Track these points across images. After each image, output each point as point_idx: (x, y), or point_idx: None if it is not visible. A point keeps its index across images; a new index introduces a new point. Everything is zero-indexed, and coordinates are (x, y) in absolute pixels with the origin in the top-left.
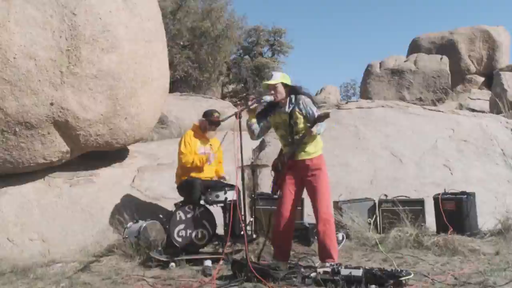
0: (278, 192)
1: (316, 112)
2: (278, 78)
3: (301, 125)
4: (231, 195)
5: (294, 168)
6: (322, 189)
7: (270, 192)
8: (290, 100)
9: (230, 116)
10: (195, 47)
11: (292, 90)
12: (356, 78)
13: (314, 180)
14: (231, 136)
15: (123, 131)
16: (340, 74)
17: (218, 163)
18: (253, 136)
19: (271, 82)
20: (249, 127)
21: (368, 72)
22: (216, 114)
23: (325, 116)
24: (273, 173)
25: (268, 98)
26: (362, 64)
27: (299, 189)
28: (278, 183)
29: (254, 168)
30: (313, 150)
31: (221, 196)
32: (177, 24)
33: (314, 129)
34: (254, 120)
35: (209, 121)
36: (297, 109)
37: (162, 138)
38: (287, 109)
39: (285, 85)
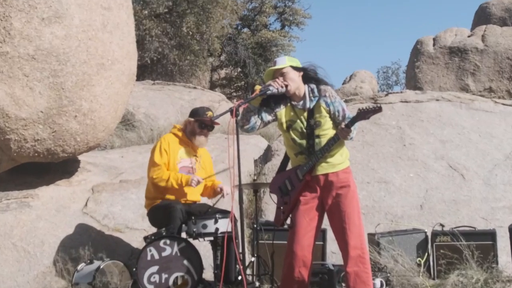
0: (288, 223)
1: (346, 110)
2: (285, 61)
3: (325, 126)
4: (224, 225)
5: (310, 187)
6: (352, 214)
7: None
8: (311, 90)
9: (223, 113)
10: (173, 18)
11: (307, 77)
12: (401, 60)
13: (341, 202)
14: (225, 142)
15: (71, 135)
16: (377, 55)
17: (208, 180)
18: (246, 124)
19: (278, 66)
20: (246, 112)
21: (417, 52)
22: (210, 113)
23: (375, 110)
24: (274, 196)
25: (275, 89)
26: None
27: (319, 216)
28: (287, 210)
29: (257, 187)
30: (339, 161)
31: (211, 226)
32: None
33: (354, 131)
34: (255, 107)
35: (199, 122)
36: (322, 103)
37: (127, 145)
38: (307, 104)
39: (297, 70)
